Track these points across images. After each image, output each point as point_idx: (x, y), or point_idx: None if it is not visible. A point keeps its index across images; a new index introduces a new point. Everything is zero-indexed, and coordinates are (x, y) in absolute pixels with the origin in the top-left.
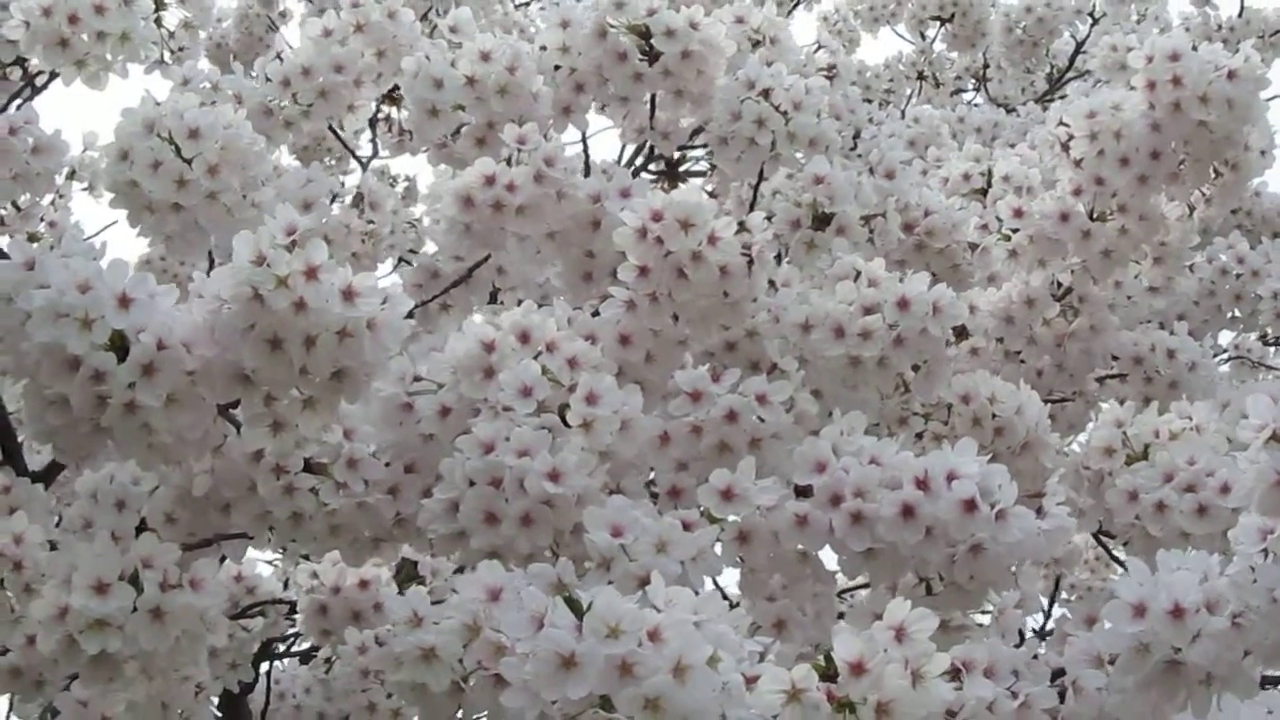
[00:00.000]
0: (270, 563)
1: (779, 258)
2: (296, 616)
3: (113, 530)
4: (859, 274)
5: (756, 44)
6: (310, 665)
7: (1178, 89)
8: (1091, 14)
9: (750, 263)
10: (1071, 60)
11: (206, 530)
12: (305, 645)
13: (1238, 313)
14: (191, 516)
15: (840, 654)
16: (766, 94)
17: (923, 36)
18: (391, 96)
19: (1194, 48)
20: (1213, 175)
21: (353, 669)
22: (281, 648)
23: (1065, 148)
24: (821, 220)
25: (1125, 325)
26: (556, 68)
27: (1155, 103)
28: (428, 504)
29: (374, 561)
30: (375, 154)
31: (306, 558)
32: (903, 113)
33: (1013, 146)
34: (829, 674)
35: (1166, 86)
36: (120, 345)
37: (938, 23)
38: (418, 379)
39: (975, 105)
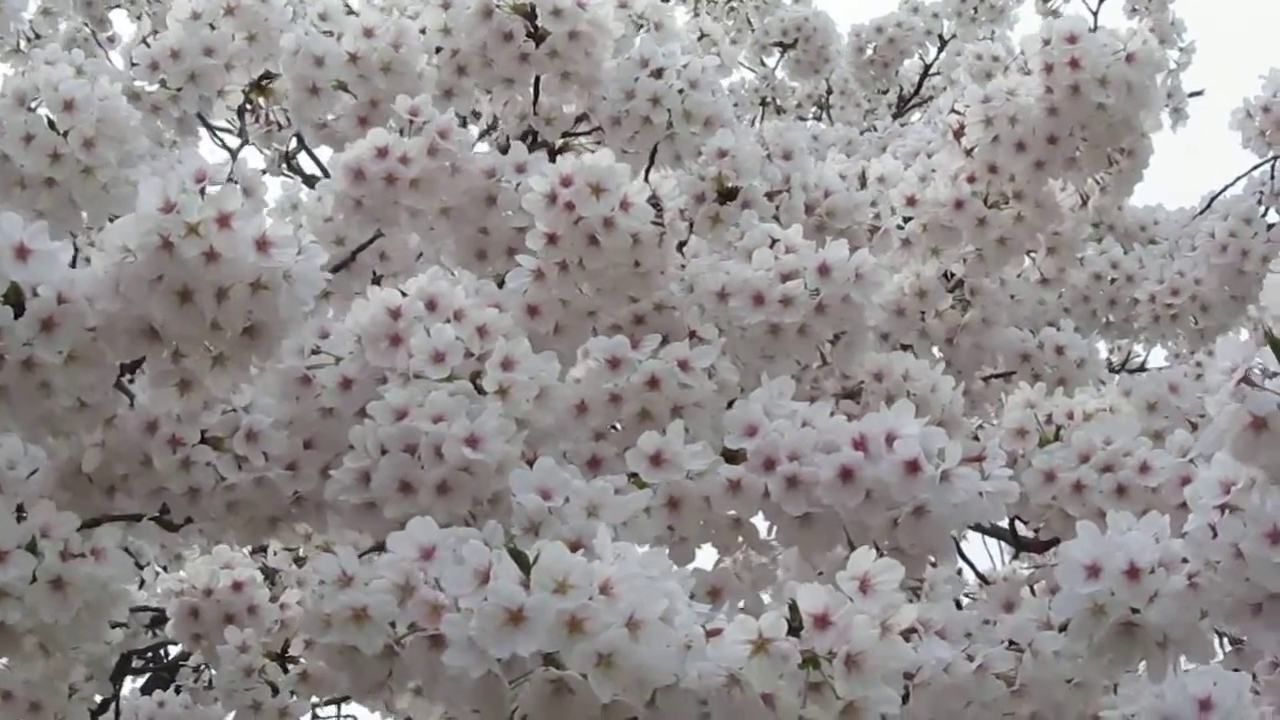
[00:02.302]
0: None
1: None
2: (159, 628)
3: None
4: (775, 241)
5: (640, 29)
6: (179, 676)
7: (1076, 71)
8: (941, 36)
9: (662, 232)
10: (919, 84)
11: (89, 514)
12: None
13: (1112, 318)
14: (73, 499)
15: (804, 606)
16: (659, 74)
17: (763, 63)
18: (260, 86)
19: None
20: (1108, 164)
21: (236, 668)
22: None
23: (957, 136)
24: (726, 194)
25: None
26: (438, 50)
27: (1053, 86)
28: (336, 474)
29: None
30: (244, 143)
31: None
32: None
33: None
34: (793, 627)
35: (1064, 69)
36: (17, 300)
37: (780, 49)
38: (315, 352)
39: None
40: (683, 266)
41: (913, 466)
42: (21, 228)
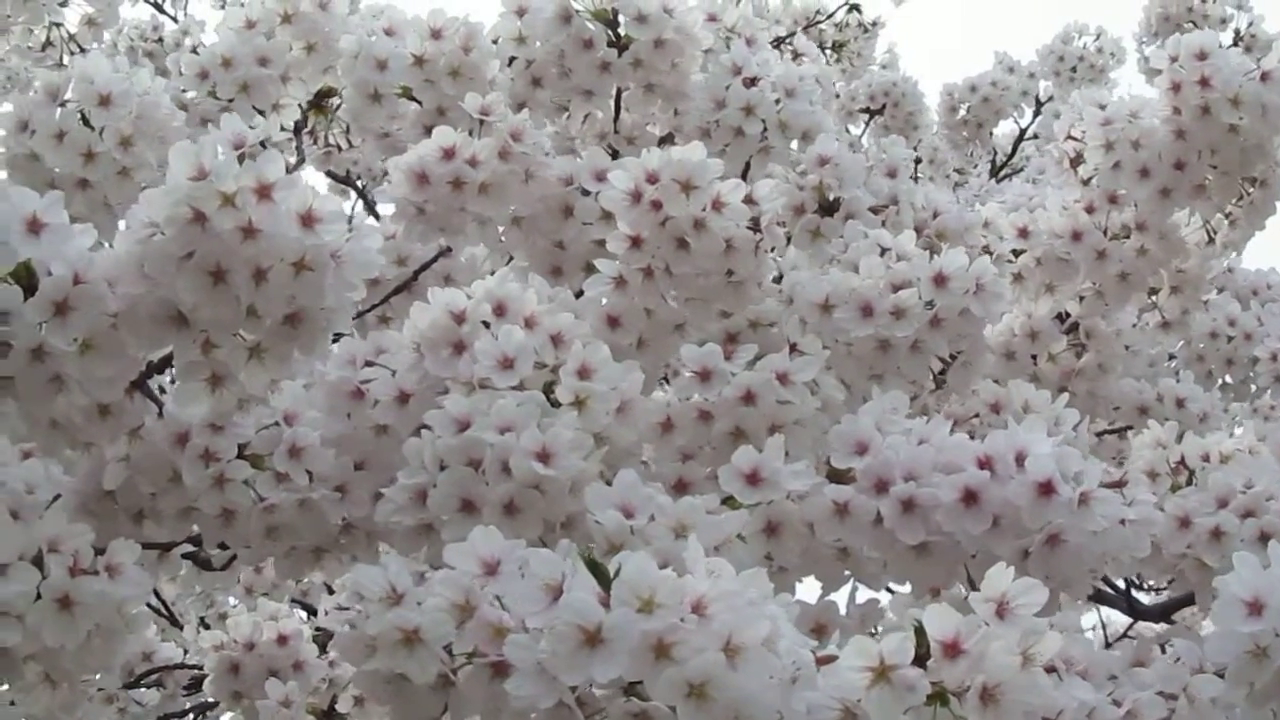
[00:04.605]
0: (168, 617)
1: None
2: (198, 689)
3: None
4: (885, 250)
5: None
6: None
7: (1206, 91)
8: (1037, 98)
9: (759, 238)
10: (1014, 149)
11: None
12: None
13: (1229, 379)
14: (99, 527)
15: (933, 630)
16: (753, 82)
17: (848, 130)
18: (319, 105)
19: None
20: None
21: None
22: None
23: (1074, 164)
24: (827, 207)
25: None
26: (511, 60)
27: (1180, 106)
28: (389, 493)
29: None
30: (301, 162)
31: (205, 625)
32: None
33: None
34: (918, 656)
35: (1194, 88)
36: (28, 280)
37: (866, 115)
38: (370, 364)
39: None
40: (779, 278)
41: (1047, 488)
42: (35, 200)
